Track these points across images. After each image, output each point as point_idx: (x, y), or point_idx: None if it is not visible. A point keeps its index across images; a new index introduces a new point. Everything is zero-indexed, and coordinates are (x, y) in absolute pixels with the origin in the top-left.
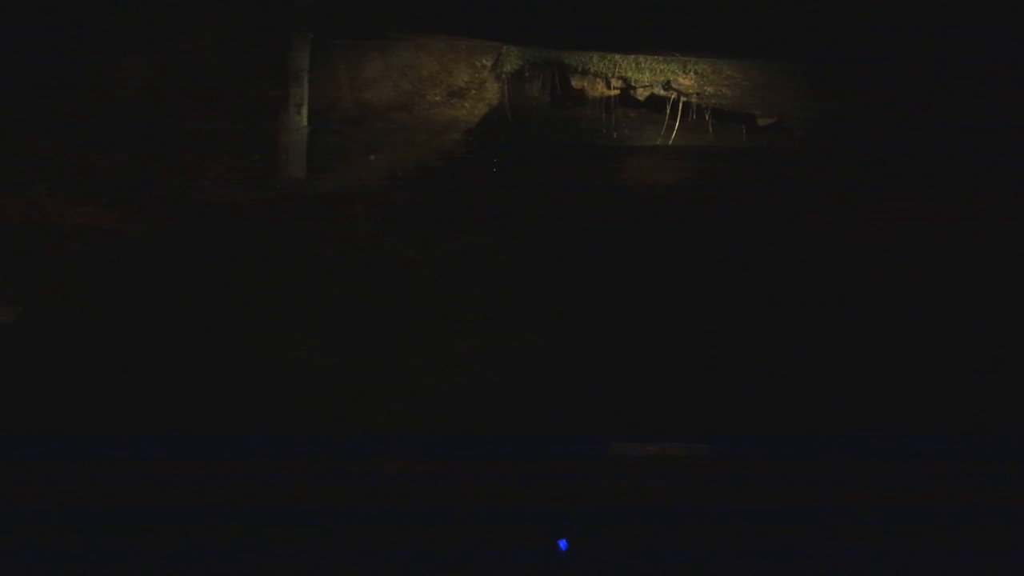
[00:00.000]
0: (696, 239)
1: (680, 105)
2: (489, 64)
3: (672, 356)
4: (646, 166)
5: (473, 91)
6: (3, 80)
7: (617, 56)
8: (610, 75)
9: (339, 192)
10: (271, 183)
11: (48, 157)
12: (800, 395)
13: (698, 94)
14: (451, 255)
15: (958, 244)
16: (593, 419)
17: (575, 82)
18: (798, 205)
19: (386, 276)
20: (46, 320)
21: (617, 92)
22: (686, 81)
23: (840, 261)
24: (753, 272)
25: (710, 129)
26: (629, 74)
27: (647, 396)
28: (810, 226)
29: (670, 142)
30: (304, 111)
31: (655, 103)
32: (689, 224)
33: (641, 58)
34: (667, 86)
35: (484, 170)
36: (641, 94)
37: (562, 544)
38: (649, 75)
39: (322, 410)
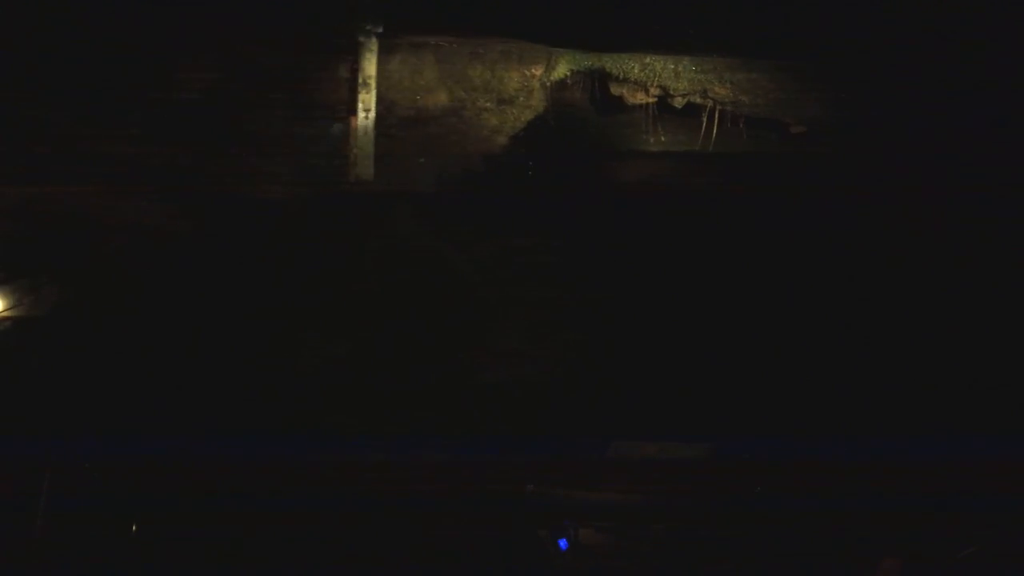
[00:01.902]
0: (730, 240)
1: (716, 113)
2: (539, 72)
3: (708, 352)
4: (681, 170)
5: (521, 98)
6: (68, 79)
7: (657, 65)
8: (649, 83)
9: (390, 192)
10: (337, 183)
11: (109, 154)
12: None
13: (733, 102)
14: (492, 255)
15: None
16: (634, 417)
17: (614, 89)
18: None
19: (431, 274)
20: (95, 315)
21: (655, 100)
22: (722, 90)
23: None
24: (789, 271)
25: (744, 136)
26: (668, 82)
27: (688, 393)
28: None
29: (709, 148)
30: (372, 115)
31: (692, 111)
32: (723, 225)
33: (680, 67)
34: (704, 94)
35: (526, 173)
36: (679, 102)
37: (562, 543)
38: (687, 84)
39: (367, 404)
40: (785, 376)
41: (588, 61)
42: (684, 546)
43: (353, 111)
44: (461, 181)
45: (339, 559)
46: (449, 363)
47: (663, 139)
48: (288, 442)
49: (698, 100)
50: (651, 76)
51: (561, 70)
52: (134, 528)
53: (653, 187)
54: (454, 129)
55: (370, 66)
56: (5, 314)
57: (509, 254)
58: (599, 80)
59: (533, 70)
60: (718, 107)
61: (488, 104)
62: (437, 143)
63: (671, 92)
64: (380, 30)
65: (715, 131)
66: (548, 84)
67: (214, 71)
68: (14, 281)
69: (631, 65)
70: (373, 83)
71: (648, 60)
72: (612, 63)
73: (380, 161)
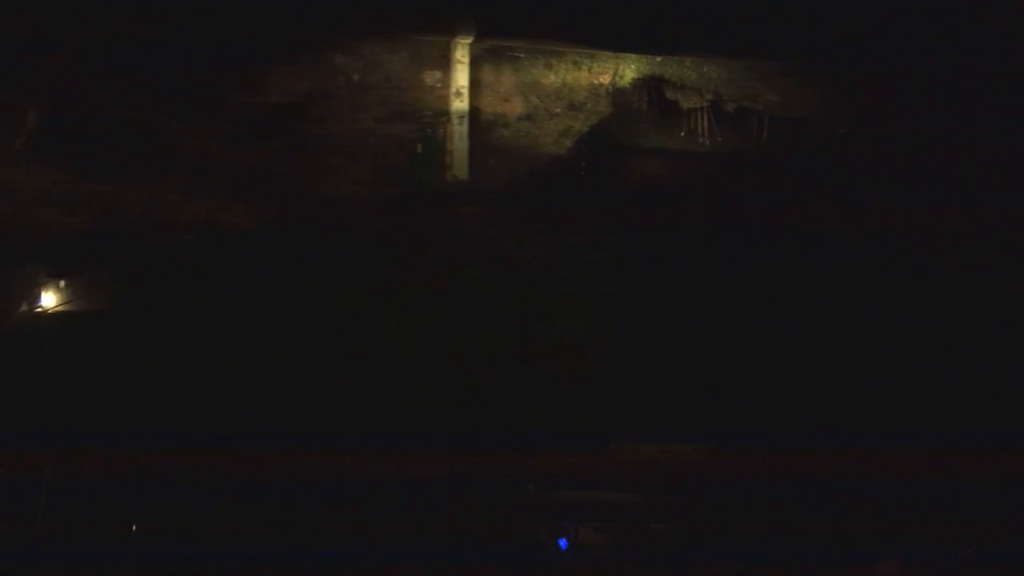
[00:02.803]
0: (781, 238)
1: (766, 116)
2: (607, 80)
3: (756, 346)
4: (733, 171)
5: (589, 104)
6: (154, 80)
7: (712, 72)
8: (704, 88)
9: (482, 191)
10: (430, 184)
11: (188, 153)
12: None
13: (782, 106)
14: (555, 253)
15: None
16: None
17: (670, 94)
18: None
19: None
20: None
21: (708, 104)
22: (771, 95)
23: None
24: (844, 269)
25: (789, 137)
26: (721, 88)
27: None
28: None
29: (759, 149)
30: (466, 120)
31: (743, 114)
32: (775, 223)
33: (732, 73)
34: (753, 99)
35: (587, 174)
36: (730, 106)
37: (562, 543)
38: (738, 89)
39: (440, 396)
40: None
41: (650, 68)
42: (684, 546)
43: (448, 117)
44: (529, 181)
45: (339, 558)
46: (515, 351)
47: (719, 140)
48: (293, 437)
49: (748, 104)
50: (706, 82)
51: (627, 77)
52: (134, 528)
53: (705, 187)
54: (527, 133)
55: (462, 77)
56: (62, 308)
57: (570, 250)
58: (656, 87)
59: (601, 79)
60: (767, 111)
61: (558, 109)
62: (514, 145)
63: (724, 97)
64: (470, 43)
65: (765, 133)
66: (612, 91)
67: (308, 79)
68: (74, 276)
69: (689, 72)
70: (466, 92)
71: (705, 68)
72: (671, 70)
73: (472, 162)
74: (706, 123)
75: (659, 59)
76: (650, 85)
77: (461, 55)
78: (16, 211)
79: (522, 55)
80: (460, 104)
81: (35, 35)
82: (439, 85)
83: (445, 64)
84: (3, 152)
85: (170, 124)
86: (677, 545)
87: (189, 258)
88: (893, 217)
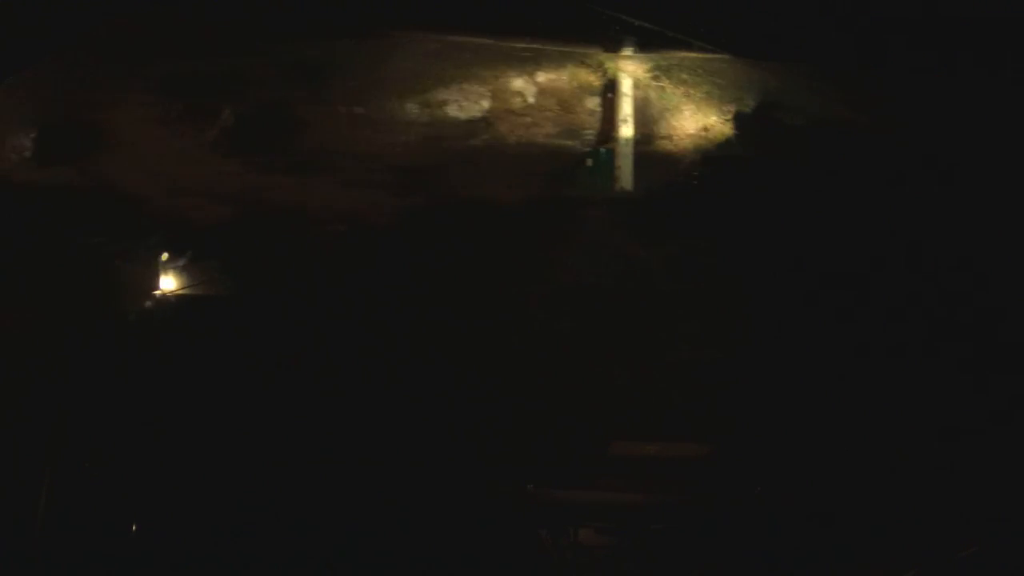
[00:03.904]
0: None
1: None
2: (756, 91)
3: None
4: None
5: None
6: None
7: None
8: None
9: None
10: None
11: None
12: None
13: None
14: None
15: None
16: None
17: None
18: None
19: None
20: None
21: None
22: None
23: None
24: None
25: None
26: None
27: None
28: None
29: None
30: (631, 133)
31: None
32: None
33: None
34: None
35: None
36: None
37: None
38: None
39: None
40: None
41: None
42: (684, 546)
43: (615, 137)
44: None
45: (340, 559)
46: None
47: None
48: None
49: None
50: None
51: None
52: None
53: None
54: (684, 148)
55: (627, 106)
56: (184, 291)
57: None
58: None
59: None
60: None
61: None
62: (674, 159)
63: None
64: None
65: None
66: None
67: (490, 98)
68: (204, 261)
69: None
70: (631, 119)
71: None
72: None
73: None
74: None
75: None
76: None
77: (627, 88)
78: (174, 200)
79: (686, 77)
80: (626, 130)
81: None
82: (606, 109)
83: (613, 91)
84: (187, 148)
85: (338, 124)
86: (677, 545)
87: (337, 250)
88: None
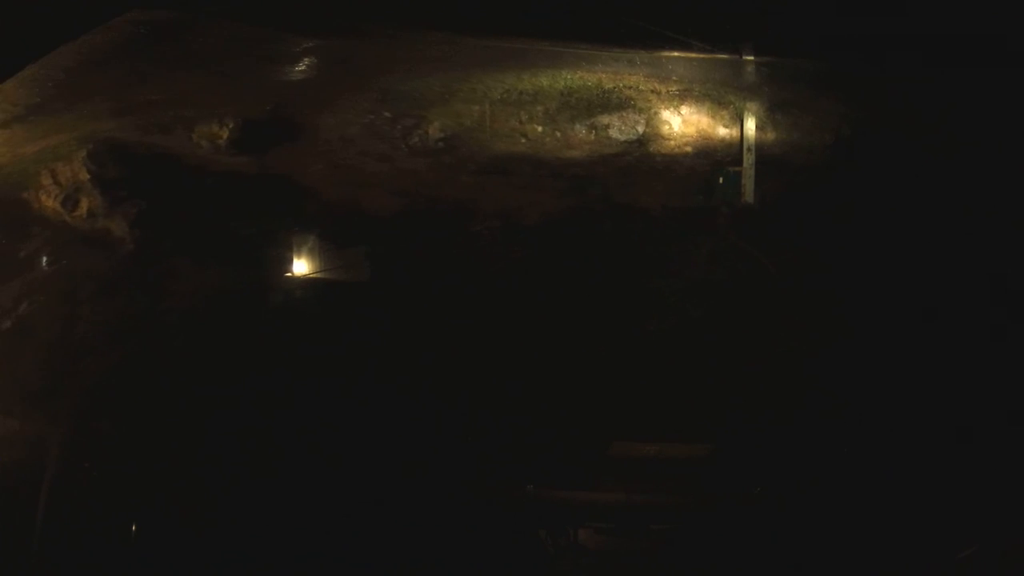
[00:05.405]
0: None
1: None
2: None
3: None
4: None
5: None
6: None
7: None
8: None
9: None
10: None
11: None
12: None
13: None
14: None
15: None
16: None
17: None
18: None
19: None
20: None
21: None
22: None
23: None
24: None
25: None
26: None
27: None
28: None
29: None
30: (754, 157)
31: None
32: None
33: None
34: None
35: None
36: None
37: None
38: None
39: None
40: None
41: None
42: (684, 546)
43: (741, 161)
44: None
45: (340, 558)
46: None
47: None
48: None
49: None
50: None
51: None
52: (134, 528)
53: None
54: (789, 170)
55: (751, 134)
56: (318, 275)
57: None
58: None
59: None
60: None
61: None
62: (781, 179)
63: None
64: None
65: None
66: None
67: (644, 124)
68: (342, 247)
69: None
70: (753, 146)
71: None
72: None
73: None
74: None
75: None
76: None
77: (750, 124)
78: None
79: (796, 112)
80: (749, 155)
81: None
82: (735, 137)
83: (737, 123)
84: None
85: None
86: (677, 545)
87: (489, 246)
88: None
